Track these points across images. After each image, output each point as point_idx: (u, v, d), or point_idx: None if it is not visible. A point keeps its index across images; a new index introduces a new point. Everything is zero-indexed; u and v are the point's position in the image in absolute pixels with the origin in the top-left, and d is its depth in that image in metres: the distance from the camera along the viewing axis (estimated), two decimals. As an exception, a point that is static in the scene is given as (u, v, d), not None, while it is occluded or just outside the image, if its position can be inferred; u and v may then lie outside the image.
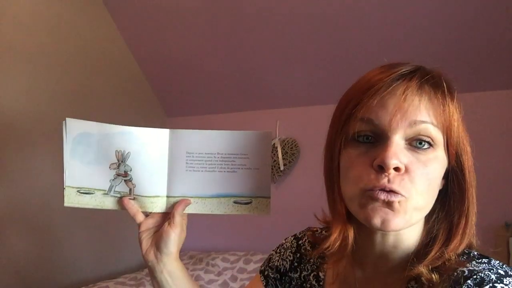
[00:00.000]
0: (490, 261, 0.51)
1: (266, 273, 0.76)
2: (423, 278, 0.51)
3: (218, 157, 0.70)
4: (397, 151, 0.50)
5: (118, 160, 0.68)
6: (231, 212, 0.70)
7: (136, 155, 0.69)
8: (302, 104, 2.30)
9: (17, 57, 1.79)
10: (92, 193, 0.68)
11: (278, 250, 0.76)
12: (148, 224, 0.69)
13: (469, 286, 0.47)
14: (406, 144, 0.51)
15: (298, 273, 0.70)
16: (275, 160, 2.31)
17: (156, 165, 0.70)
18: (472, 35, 1.75)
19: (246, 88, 2.37)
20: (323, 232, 0.71)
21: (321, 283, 0.66)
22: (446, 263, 0.52)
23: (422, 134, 0.51)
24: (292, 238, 0.76)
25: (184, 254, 2.37)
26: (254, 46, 2.14)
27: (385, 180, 0.49)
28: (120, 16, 2.25)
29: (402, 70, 0.53)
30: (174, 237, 0.67)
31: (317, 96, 2.21)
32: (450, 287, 0.49)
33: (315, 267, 0.68)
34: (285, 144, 2.31)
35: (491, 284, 0.46)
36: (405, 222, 0.51)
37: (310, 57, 2.09)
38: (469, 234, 0.54)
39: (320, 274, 0.67)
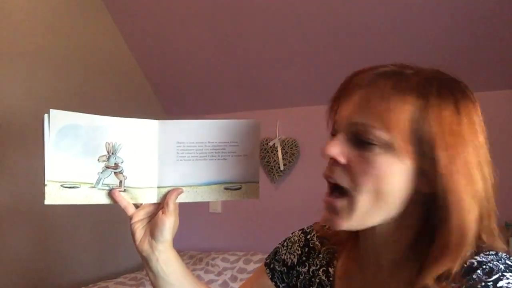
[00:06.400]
0: (497, 253, 0.51)
1: (272, 266, 0.75)
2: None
3: (209, 146, 0.71)
4: (337, 144, 0.53)
5: (108, 152, 0.67)
6: (222, 198, 0.72)
7: (126, 146, 0.68)
8: (302, 104, 2.29)
9: (17, 57, 1.79)
10: (78, 187, 0.65)
11: (285, 244, 0.76)
12: (140, 215, 0.69)
13: (479, 275, 0.47)
14: (351, 140, 0.53)
15: (307, 268, 0.70)
16: (275, 160, 2.31)
17: (147, 156, 0.69)
18: (472, 35, 1.75)
19: (246, 88, 2.37)
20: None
21: (330, 279, 0.66)
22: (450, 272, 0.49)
23: (360, 135, 0.52)
24: (300, 232, 0.75)
25: (184, 254, 2.37)
26: (255, 46, 2.14)
27: (326, 170, 0.55)
28: (120, 16, 2.25)
29: (374, 71, 0.54)
30: (169, 224, 0.67)
31: (317, 96, 2.21)
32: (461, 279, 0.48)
33: (325, 262, 0.68)
34: (285, 144, 2.31)
35: (500, 274, 0.47)
36: (352, 223, 0.53)
37: (310, 57, 2.09)
38: (461, 250, 0.49)
39: (330, 269, 0.67)
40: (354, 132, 0.53)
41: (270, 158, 2.33)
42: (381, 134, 0.50)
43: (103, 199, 0.67)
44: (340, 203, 0.53)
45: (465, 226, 0.49)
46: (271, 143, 2.34)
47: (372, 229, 0.56)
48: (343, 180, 0.53)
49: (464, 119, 0.50)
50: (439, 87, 0.51)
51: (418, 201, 0.52)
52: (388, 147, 0.50)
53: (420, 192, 0.51)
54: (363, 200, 0.51)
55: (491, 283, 0.46)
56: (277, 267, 0.74)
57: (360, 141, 0.52)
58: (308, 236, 0.73)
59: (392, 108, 0.49)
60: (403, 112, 0.49)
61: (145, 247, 0.67)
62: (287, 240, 0.76)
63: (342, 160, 0.53)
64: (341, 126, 0.55)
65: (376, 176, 0.50)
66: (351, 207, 0.52)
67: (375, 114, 0.50)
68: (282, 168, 2.29)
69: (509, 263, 0.49)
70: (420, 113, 0.49)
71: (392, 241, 0.56)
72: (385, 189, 0.50)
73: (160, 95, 2.60)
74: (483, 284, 0.46)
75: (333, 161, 0.54)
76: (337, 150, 0.53)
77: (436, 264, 0.49)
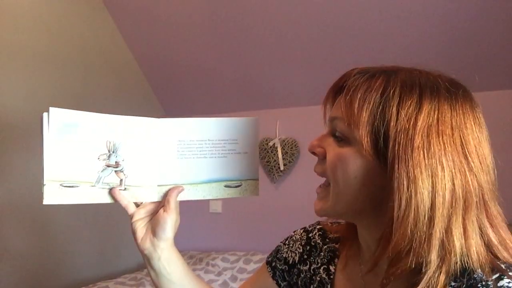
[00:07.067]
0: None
1: (273, 264, 0.75)
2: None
3: (209, 144, 0.72)
4: (316, 139, 0.58)
5: (109, 151, 0.66)
6: (222, 196, 0.72)
7: (127, 144, 0.68)
8: (302, 104, 2.30)
9: (17, 57, 1.79)
10: (77, 186, 0.64)
11: (286, 242, 0.76)
12: (141, 214, 0.69)
13: (479, 274, 0.48)
14: (332, 135, 0.56)
15: (308, 266, 0.70)
16: (275, 160, 2.31)
17: (148, 154, 0.69)
18: (472, 35, 1.75)
19: (246, 88, 2.37)
20: (334, 224, 0.72)
21: (331, 276, 0.66)
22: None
23: (335, 129, 0.55)
24: (301, 231, 0.76)
25: (184, 254, 2.37)
26: (254, 46, 2.14)
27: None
28: (120, 16, 2.25)
29: (356, 71, 0.56)
30: (171, 222, 0.67)
31: (317, 96, 2.20)
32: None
33: (326, 260, 0.68)
34: (285, 144, 2.31)
35: (500, 273, 0.47)
36: (326, 207, 0.56)
37: (310, 57, 2.09)
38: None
39: (331, 267, 0.67)
40: (332, 127, 0.56)
41: (270, 158, 2.33)
42: (344, 128, 0.53)
43: (103, 198, 0.66)
44: (320, 189, 0.59)
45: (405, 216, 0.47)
46: (271, 143, 2.34)
47: (359, 224, 0.59)
48: (321, 170, 0.57)
49: (428, 118, 0.48)
50: (403, 86, 0.50)
51: (387, 197, 0.50)
52: (350, 141, 0.53)
53: (385, 188, 0.50)
54: (333, 188, 0.54)
55: (492, 282, 0.46)
56: (278, 265, 0.75)
57: (335, 135, 0.55)
58: (310, 235, 0.73)
59: (354, 105, 0.51)
60: (365, 109, 0.51)
61: (147, 245, 0.67)
62: (288, 239, 0.77)
63: (316, 150, 0.57)
64: (327, 123, 0.59)
65: (340, 167, 0.53)
66: (325, 193, 0.57)
67: (343, 110, 0.53)
68: (282, 168, 2.29)
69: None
70: (381, 111, 0.50)
71: (372, 236, 0.56)
72: (348, 180, 0.53)
73: (160, 95, 2.60)
74: (483, 283, 0.46)
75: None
76: (314, 143, 0.58)
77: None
